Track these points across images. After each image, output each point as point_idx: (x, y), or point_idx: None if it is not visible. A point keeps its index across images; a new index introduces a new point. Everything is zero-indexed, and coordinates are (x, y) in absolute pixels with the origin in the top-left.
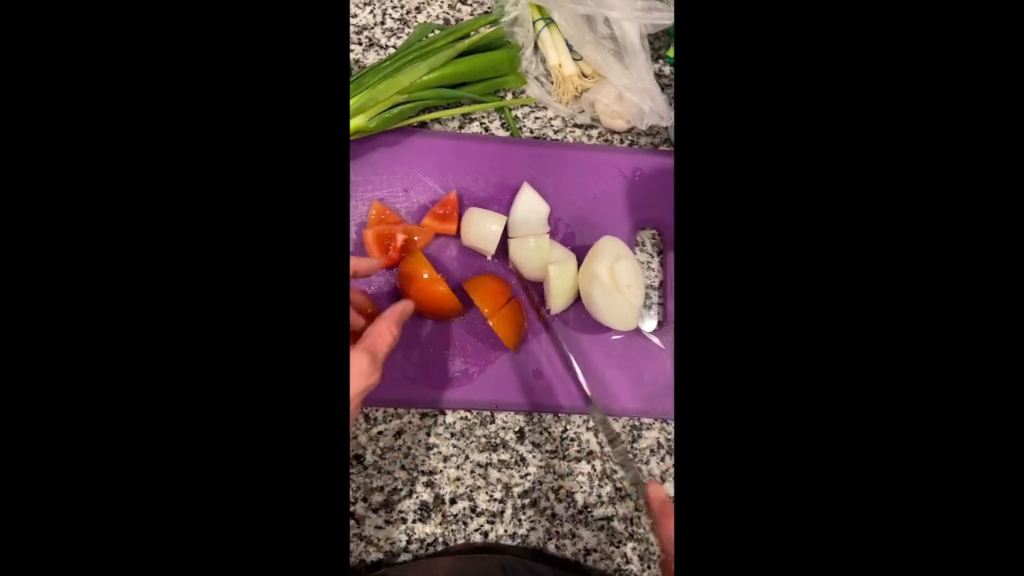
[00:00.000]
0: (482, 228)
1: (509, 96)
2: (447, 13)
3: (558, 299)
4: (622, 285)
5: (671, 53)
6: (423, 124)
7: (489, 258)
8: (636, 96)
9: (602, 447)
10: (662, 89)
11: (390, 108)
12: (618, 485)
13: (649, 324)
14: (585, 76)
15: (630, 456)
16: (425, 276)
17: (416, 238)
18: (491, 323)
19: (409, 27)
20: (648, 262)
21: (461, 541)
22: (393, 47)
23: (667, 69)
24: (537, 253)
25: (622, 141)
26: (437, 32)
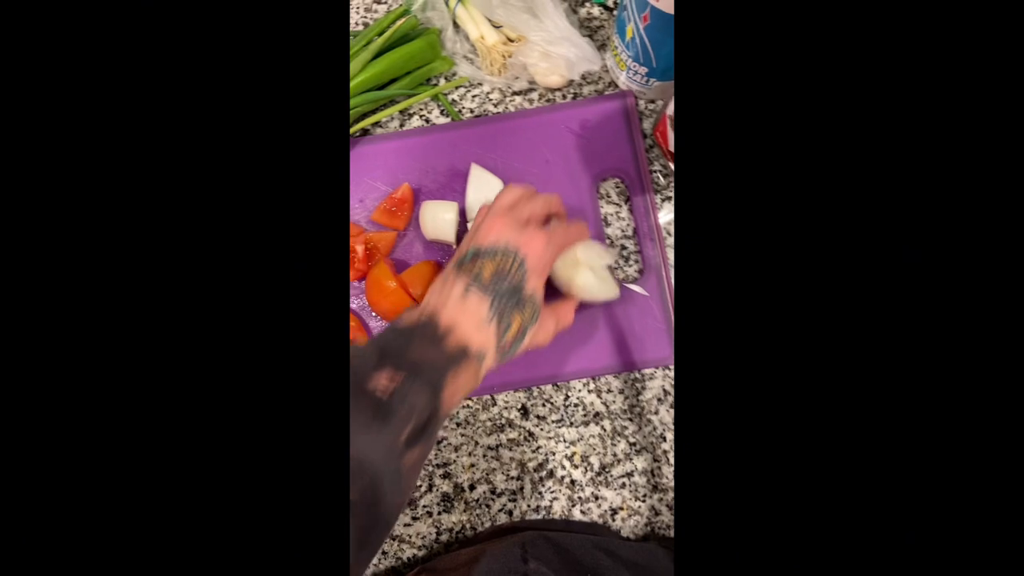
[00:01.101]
0: (437, 219)
1: (443, 82)
2: (364, 17)
3: None
4: (597, 267)
5: None
6: (365, 131)
7: (454, 248)
8: (559, 48)
9: (600, 395)
10: (593, 33)
11: None
12: (631, 440)
13: (629, 274)
14: (511, 41)
15: None
16: (391, 285)
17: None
18: None
19: None
20: (617, 212)
21: (487, 523)
22: None
23: (596, 11)
24: None
25: (564, 96)
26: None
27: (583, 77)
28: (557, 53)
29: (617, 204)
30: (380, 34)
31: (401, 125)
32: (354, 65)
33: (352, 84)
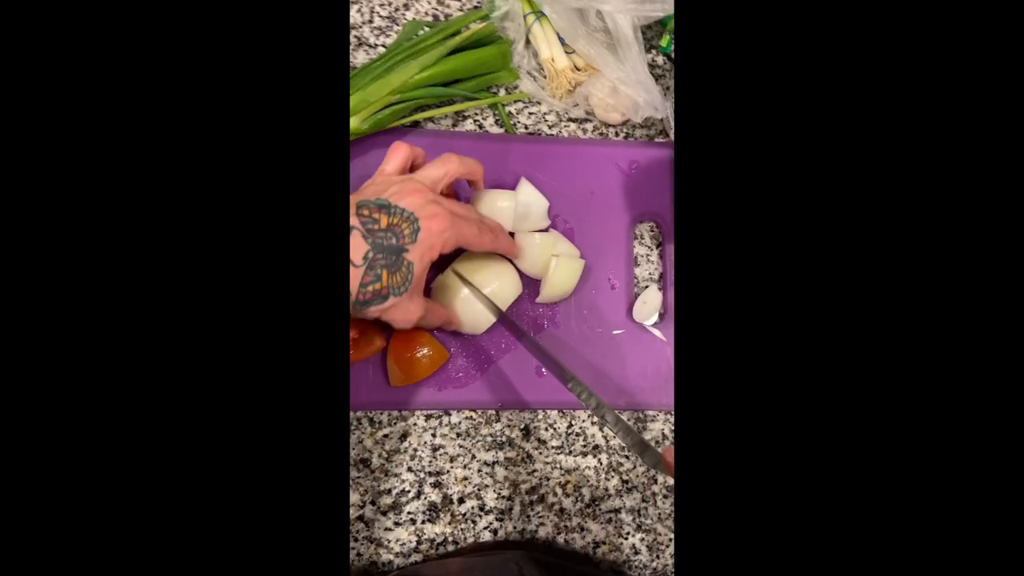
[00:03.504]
0: (494, 208)
1: (502, 92)
2: (436, 9)
3: (552, 290)
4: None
5: (664, 43)
6: (416, 124)
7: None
8: (631, 89)
9: (602, 428)
10: (656, 80)
11: (382, 109)
12: (624, 478)
13: (651, 317)
14: (578, 69)
15: (629, 426)
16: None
17: None
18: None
19: (398, 24)
20: (648, 255)
21: (471, 539)
22: (383, 46)
23: (660, 59)
24: (543, 249)
25: (617, 134)
26: (426, 30)
27: (639, 121)
28: (627, 93)
29: (649, 247)
30: (456, 33)
31: (453, 125)
32: (426, 58)
33: (419, 76)
